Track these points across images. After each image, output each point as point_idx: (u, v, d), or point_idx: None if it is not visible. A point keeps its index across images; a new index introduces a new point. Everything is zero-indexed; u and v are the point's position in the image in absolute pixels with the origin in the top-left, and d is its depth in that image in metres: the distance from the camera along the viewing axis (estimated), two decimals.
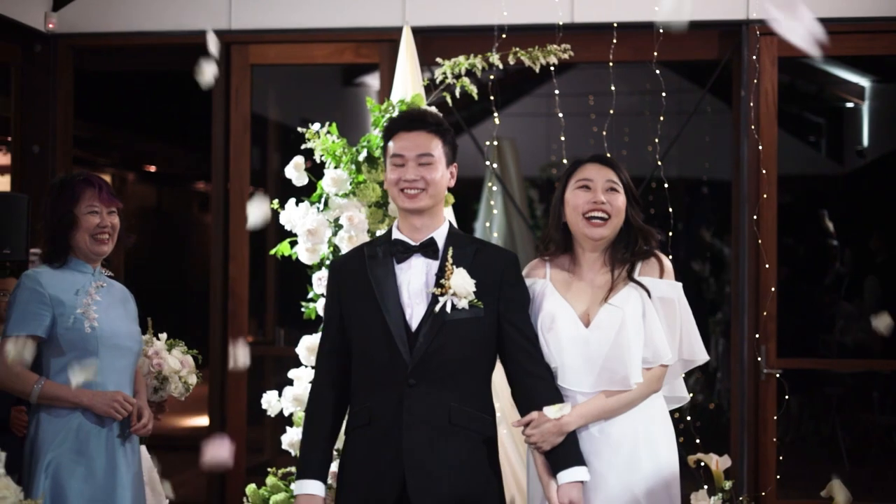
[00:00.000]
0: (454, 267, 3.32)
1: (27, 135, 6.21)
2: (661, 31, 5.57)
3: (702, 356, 3.56)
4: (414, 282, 3.37)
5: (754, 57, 5.70)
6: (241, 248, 6.11)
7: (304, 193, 4.80)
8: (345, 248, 4.44)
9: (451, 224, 3.49)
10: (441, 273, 3.34)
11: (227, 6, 6.01)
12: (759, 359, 5.55)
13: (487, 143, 6.09)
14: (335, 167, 4.66)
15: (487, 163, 6.19)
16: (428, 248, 3.39)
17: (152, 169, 10.58)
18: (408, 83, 4.98)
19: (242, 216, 5.99)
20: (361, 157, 4.61)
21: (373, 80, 7.12)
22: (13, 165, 6.22)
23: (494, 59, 4.86)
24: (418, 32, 5.64)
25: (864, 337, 7.89)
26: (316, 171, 4.79)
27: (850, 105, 10.15)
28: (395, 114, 3.44)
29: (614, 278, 3.45)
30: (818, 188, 10.73)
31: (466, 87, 4.71)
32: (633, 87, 6.64)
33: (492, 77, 5.13)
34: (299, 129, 4.68)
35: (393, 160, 3.41)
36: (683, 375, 3.71)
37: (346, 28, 5.96)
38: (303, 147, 4.71)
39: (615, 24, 5.69)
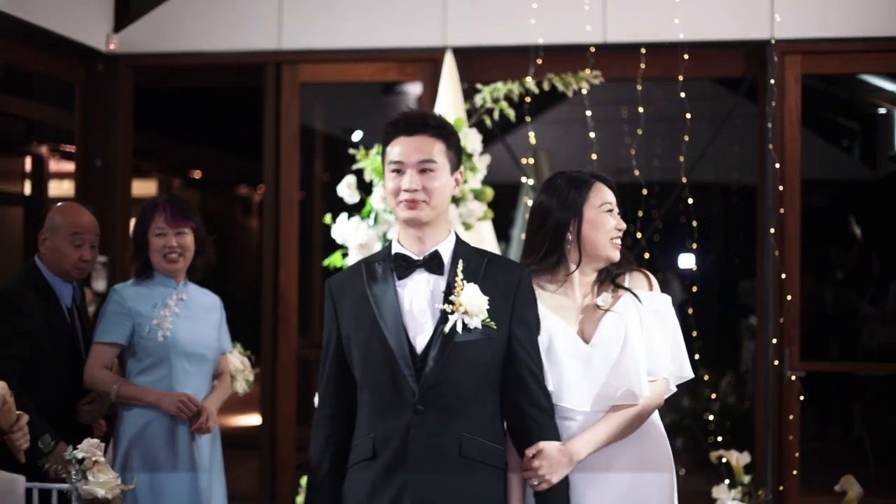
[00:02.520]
0: (464, 282, 3.09)
1: (90, 149, 6.73)
2: (685, 54, 5.99)
3: (688, 372, 3.48)
4: (417, 300, 3.13)
5: (772, 80, 6.07)
6: (290, 255, 6.61)
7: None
8: None
9: (457, 235, 3.26)
10: (450, 289, 3.10)
11: (277, 27, 6.49)
12: (776, 362, 5.96)
13: (524, 160, 6.55)
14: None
15: (523, 179, 6.63)
16: (432, 263, 3.15)
17: (197, 175, 11.13)
18: (449, 106, 5.46)
19: (292, 224, 6.53)
20: None
21: (413, 89, 7.59)
22: (77, 178, 6.74)
23: (531, 84, 5.33)
24: (458, 52, 6.16)
25: (887, 341, 8.25)
26: (364, 186, 5.29)
27: (883, 111, 10.48)
28: None
29: (599, 287, 3.41)
30: (851, 193, 11.02)
31: (504, 112, 5.19)
32: (668, 94, 6.96)
33: (528, 99, 5.58)
34: (350, 150, 5.17)
35: (391, 167, 3.16)
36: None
37: (391, 48, 6.41)
38: (353, 168, 5.21)
39: (644, 44, 6.12)
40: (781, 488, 5.81)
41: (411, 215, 3.11)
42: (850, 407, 8.73)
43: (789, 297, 5.93)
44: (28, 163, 8.42)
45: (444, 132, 3.19)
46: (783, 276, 5.92)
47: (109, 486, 3.49)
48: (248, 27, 6.54)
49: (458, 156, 3.23)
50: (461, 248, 3.21)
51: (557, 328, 3.29)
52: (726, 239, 10.58)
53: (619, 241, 3.42)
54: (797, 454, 5.87)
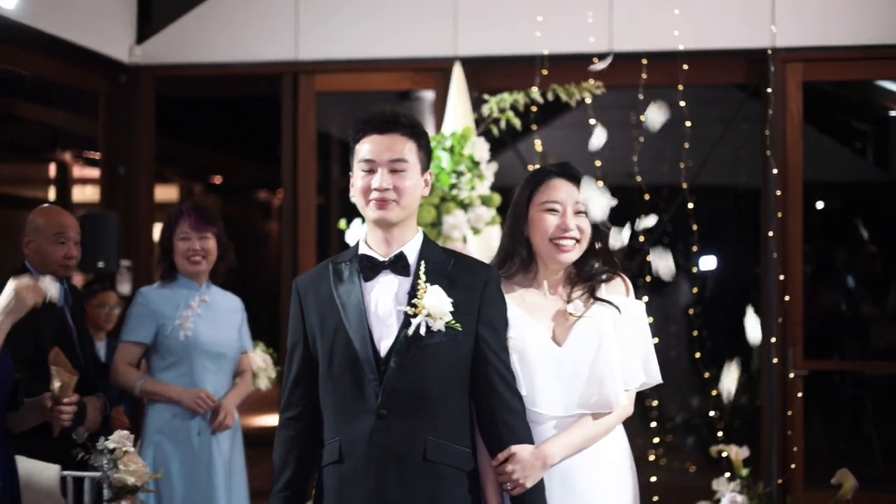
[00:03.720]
0: (427, 284, 3.05)
1: (114, 156, 7.05)
2: (688, 62, 6.26)
3: (657, 377, 3.40)
4: (383, 301, 3.08)
5: (770, 89, 6.31)
6: (308, 257, 6.91)
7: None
8: None
9: (425, 236, 3.22)
10: (413, 291, 3.06)
11: (294, 39, 6.79)
12: (775, 360, 6.22)
13: (530, 166, 6.82)
14: None
15: None
16: (397, 264, 3.11)
17: (218, 180, 11.45)
18: (458, 115, 5.76)
19: (310, 228, 6.85)
20: None
21: (428, 94, 7.87)
22: (102, 184, 7.07)
23: (535, 94, 5.62)
24: (468, 62, 6.45)
25: (888, 340, 8.47)
26: None
27: (895, 114, 10.67)
28: (368, 118, 3.09)
29: (571, 291, 3.33)
30: (864, 195, 11.20)
31: (511, 121, 5.49)
32: (679, 97, 7.17)
33: (533, 108, 5.87)
34: None
35: (361, 165, 3.10)
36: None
37: (403, 58, 6.71)
38: None
39: (647, 53, 6.38)
40: (780, 481, 6.06)
41: (380, 215, 3.07)
42: (861, 405, 8.92)
43: (787, 298, 6.19)
44: (52, 169, 8.74)
45: (416, 131, 3.14)
46: (781, 277, 6.17)
47: (138, 475, 3.81)
48: (266, 39, 6.84)
49: (428, 156, 3.19)
50: (427, 248, 3.17)
51: (530, 330, 3.23)
52: (738, 240, 10.79)
53: (564, 243, 3.29)
54: (795, 448, 6.12)
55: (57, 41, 6.25)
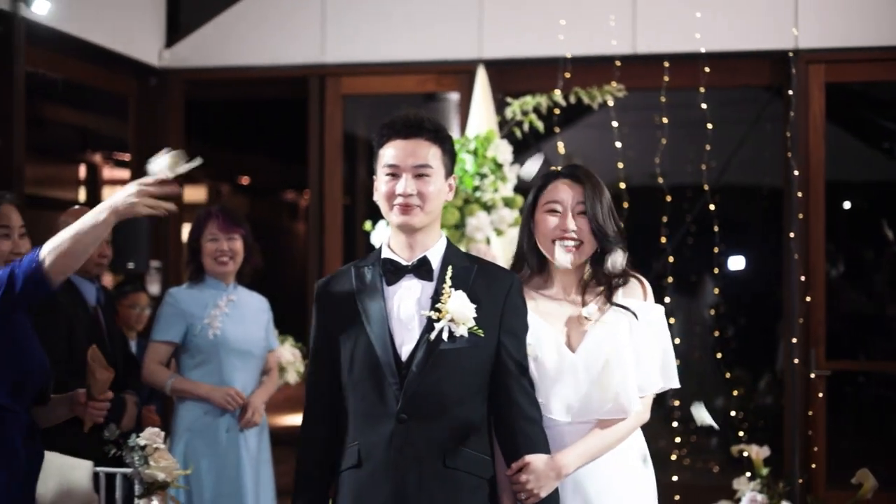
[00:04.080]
0: (452, 289, 3.04)
1: (143, 158, 7.16)
2: (711, 64, 6.33)
3: (674, 382, 3.35)
4: (405, 306, 3.09)
5: (791, 91, 6.37)
6: (334, 257, 7.03)
7: None
8: None
9: (448, 241, 3.22)
10: (437, 296, 3.06)
11: (320, 42, 6.91)
12: (795, 360, 6.29)
13: (553, 168, 6.91)
14: None
15: None
16: (421, 269, 3.11)
17: (245, 181, 11.61)
18: (482, 118, 5.87)
19: (336, 228, 6.97)
20: None
21: (453, 96, 7.98)
22: None
23: (558, 97, 5.72)
24: (492, 64, 6.56)
25: None
26: None
27: None
28: (393, 121, 3.06)
29: (585, 295, 3.31)
30: (892, 194, 11.20)
31: (534, 124, 5.59)
32: (705, 97, 7.24)
33: (556, 111, 5.97)
34: None
35: (386, 170, 3.10)
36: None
37: (428, 61, 6.83)
38: None
39: (670, 55, 6.46)
40: (801, 481, 6.13)
41: (405, 220, 3.08)
42: (886, 405, 8.95)
43: (808, 299, 6.25)
44: (82, 170, 8.89)
45: (440, 136, 3.13)
46: (802, 278, 6.24)
47: (169, 471, 3.93)
48: (292, 42, 6.97)
49: (452, 161, 3.19)
50: (451, 253, 3.17)
51: (545, 335, 3.22)
52: (763, 241, 10.83)
53: (564, 243, 3.27)
54: (816, 448, 6.19)
55: (88, 45, 6.41)
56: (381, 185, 3.12)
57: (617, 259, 3.31)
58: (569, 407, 3.20)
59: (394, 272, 3.11)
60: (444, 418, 3.02)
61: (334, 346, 3.13)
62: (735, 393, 8.00)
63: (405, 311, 3.08)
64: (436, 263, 3.12)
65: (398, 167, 3.08)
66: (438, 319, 3.01)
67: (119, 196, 3.28)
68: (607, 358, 3.19)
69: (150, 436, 3.95)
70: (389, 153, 3.10)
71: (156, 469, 3.89)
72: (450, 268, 3.09)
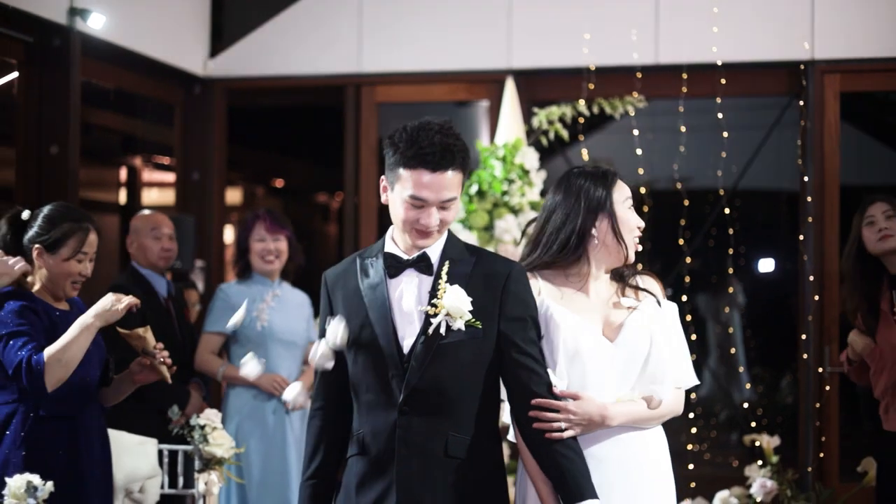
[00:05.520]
0: (447, 284, 3.12)
1: (188, 163, 7.70)
2: (729, 73, 6.77)
3: (691, 379, 3.47)
4: (407, 299, 3.17)
5: (802, 102, 6.78)
6: None
7: None
8: None
9: (450, 233, 3.24)
10: (434, 291, 3.14)
11: (356, 53, 7.38)
12: (805, 356, 6.72)
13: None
14: None
15: None
16: (421, 263, 3.17)
17: (279, 184, 12.06)
18: (510, 127, 6.35)
19: (371, 230, 7.44)
20: (472, 191, 6.01)
21: (484, 102, 8.43)
22: (177, 189, 7.74)
23: (582, 107, 6.20)
24: (521, 74, 7.01)
25: None
26: None
27: None
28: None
29: (613, 286, 3.43)
30: None
31: (559, 133, 6.08)
32: (729, 101, 7.63)
33: (581, 120, 6.46)
34: None
35: (412, 201, 3.09)
36: None
37: (459, 71, 7.28)
38: None
39: (690, 65, 6.87)
40: (810, 469, 6.58)
41: (424, 243, 3.15)
42: None
43: (816, 298, 6.68)
44: (124, 173, 9.36)
45: (465, 161, 3.16)
46: (811, 278, 6.68)
47: (225, 448, 4.45)
48: (330, 53, 7.43)
49: (467, 175, 3.22)
50: (451, 247, 3.21)
51: (581, 328, 3.29)
52: (781, 243, 11.20)
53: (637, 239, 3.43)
54: (824, 438, 6.61)
55: (138, 56, 6.88)
56: (402, 209, 3.12)
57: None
58: (607, 395, 3.27)
59: (395, 266, 3.18)
60: (445, 410, 3.12)
61: None
62: (753, 388, 8.41)
63: (407, 304, 3.16)
64: (435, 258, 3.18)
65: (426, 202, 3.09)
66: (435, 314, 3.10)
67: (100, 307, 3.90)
68: (647, 348, 3.30)
69: (208, 417, 4.46)
70: (416, 183, 3.08)
71: (214, 446, 4.39)
72: (446, 263, 3.16)
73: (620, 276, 3.44)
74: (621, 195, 3.40)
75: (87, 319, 3.85)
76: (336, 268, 3.33)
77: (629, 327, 3.33)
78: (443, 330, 3.10)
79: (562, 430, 3.15)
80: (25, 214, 4.07)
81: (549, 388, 3.19)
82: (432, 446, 3.11)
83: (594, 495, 3.10)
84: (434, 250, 3.18)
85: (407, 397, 3.10)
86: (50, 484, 3.32)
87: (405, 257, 3.18)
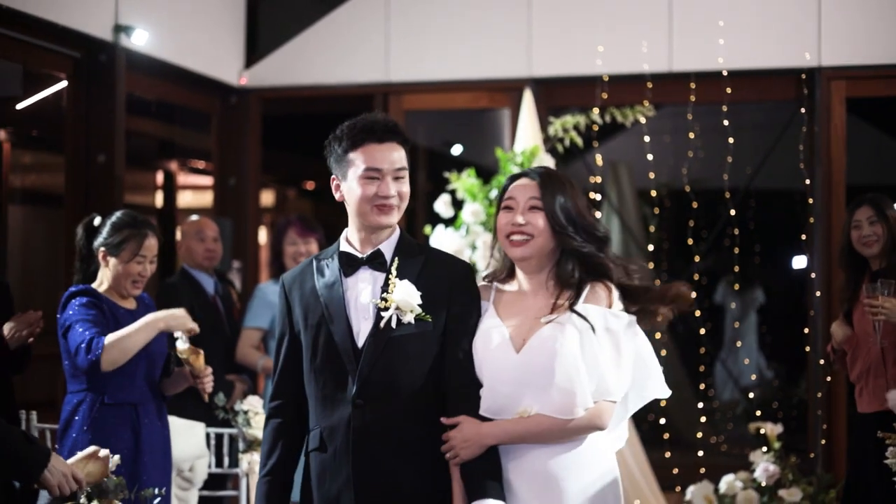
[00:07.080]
0: (397, 279, 3.26)
1: (225, 169, 8.24)
2: (737, 80, 7.24)
3: (658, 391, 3.48)
4: (361, 296, 3.30)
5: (803, 109, 7.22)
6: None
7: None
8: (480, 265, 6.30)
9: (401, 233, 3.41)
10: (386, 286, 3.28)
11: (384, 63, 7.88)
12: (807, 349, 7.18)
13: (592, 179, 7.80)
14: (473, 202, 6.61)
15: (591, 195, 7.92)
16: (374, 261, 3.33)
17: (310, 186, 12.59)
18: (528, 134, 6.88)
19: None
20: (493, 195, 6.53)
21: (505, 110, 8.92)
22: (215, 193, 8.28)
23: (595, 116, 6.72)
24: (540, 82, 7.50)
25: None
26: (457, 203, 6.75)
27: None
28: (364, 125, 3.12)
29: (556, 302, 3.36)
30: None
31: (574, 140, 6.62)
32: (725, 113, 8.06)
33: (595, 127, 6.98)
34: (445, 173, 6.64)
35: (368, 174, 3.26)
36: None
37: (482, 79, 7.77)
38: (448, 188, 6.66)
39: (700, 73, 7.33)
40: (812, 455, 7.06)
41: (386, 220, 3.30)
42: None
43: (818, 294, 7.13)
44: (160, 177, 9.88)
45: (406, 140, 3.36)
46: (812, 275, 7.15)
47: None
48: (359, 63, 7.94)
49: (408, 155, 3.37)
50: (403, 245, 3.37)
51: (494, 332, 3.36)
52: (790, 244, 11.61)
53: (514, 238, 3.39)
54: (825, 426, 7.08)
55: (178, 69, 7.41)
56: (359, 187, 3.27)
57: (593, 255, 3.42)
58: (511, 404, 3.31)
59: (350, 264, 3.34)
60: (396, 401, 3.25)
61: (297, 336, 3.38)
62: (769, 381, 8.86)
63: (362, 300, 3.31)
64: (388, 255, 3.34)
65: (381, 171, 3.27)
66: (386, 308, 3.27)
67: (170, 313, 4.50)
68: (550, 359, 3.28)
69: (251, 402, 5.00)
70: (368, 157, 3.27)
71: (256, 429, 4.92)
72: (396, 259, 3.32)
73: (567, 282, 3.40)
74: (504, 197, 3.48)
75: (153, 319, 4.41)
76: (293, 271, 3.49)
77: (537, 338, 3.33)
78: (393, 323, 3.25)
79: (456, 456, 3.26)
80: (97, 221, 4.62)
81: (474, 382, 3.33)
82: (386, 437, 3.23)
83: (499, 496, 3.22)
84: (387, 248, 3.35)
85: (360, 389, 3.24)
86: (117, 457, 3.78)
87: (359, 255, 3.35)
